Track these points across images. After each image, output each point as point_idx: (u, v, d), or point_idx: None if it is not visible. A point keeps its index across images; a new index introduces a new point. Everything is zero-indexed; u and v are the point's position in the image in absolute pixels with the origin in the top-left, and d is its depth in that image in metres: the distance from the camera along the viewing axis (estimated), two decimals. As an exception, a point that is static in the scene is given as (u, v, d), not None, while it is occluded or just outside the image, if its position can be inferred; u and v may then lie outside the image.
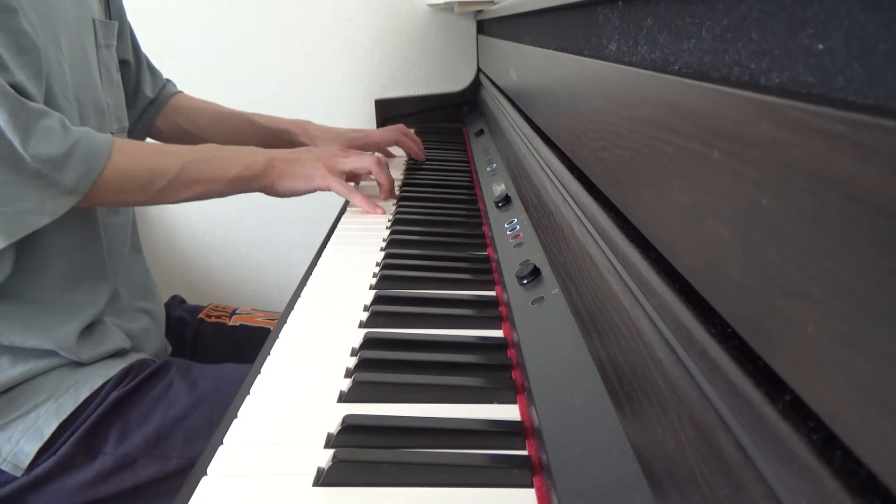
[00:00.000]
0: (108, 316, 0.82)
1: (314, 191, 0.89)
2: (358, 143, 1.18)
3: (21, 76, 0.67)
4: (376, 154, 1.13)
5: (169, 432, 0.74)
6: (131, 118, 1.04)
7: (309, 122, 1.17)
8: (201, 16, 1.58)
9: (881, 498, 0.18)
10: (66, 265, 0.76)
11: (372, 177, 0.99)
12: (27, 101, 0.66)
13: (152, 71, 1.07)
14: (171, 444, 0.73)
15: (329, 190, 0.89)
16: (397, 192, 1.04)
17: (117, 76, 0.91)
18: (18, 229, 0.66)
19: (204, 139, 1.11)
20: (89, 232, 0.79)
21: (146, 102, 1.06)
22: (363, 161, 0.94)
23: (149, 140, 1.09)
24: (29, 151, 0.65)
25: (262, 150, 0.87)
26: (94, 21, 0.84)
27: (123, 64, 0.99)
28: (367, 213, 0.95)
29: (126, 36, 0.99)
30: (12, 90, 0.65)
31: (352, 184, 0.97)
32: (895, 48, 0.19)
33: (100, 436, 0.73)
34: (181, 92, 1.11)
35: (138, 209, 0.98)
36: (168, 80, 1.11)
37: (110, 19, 0.92)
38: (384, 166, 0.97)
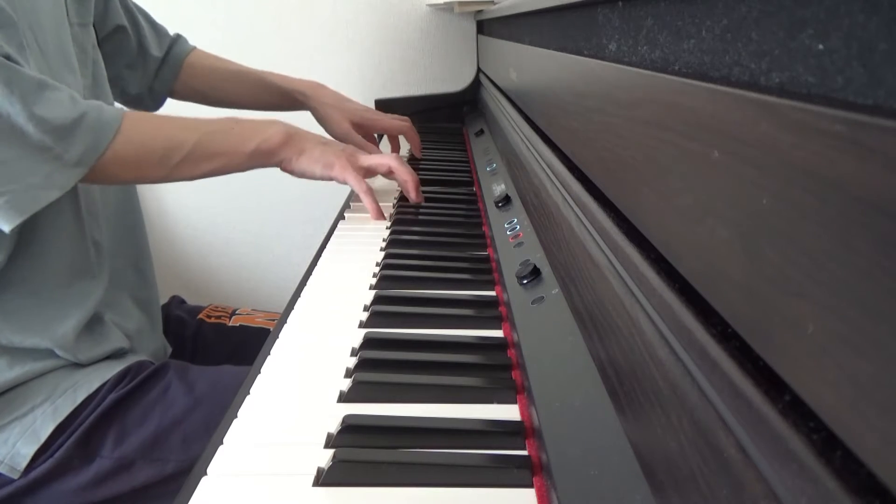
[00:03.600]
0: (105, 310, 0.81)
1: (329, 179, 0.88)
2: (367, 123, 1.15)
3: (9, 48, 0.65)
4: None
5: (166, 435, 0.73)
6: (144, 82, 1.03)
7: (322, 86, 1.15)
8: (201, 16, 1.58)
9: (881, 498, 0.18)
10: (62, 254, 0.76)
11: (393, 176, 0.96)
12: (22, 69, 0.64)
13: (155, 28, 1.05)
14: (168, 447, 0.73)
15: (345, 182, 0.88)
16: (395, 197, 1.03)
17: (95, 53, 0.88)
18: (30, 205, 0.65)
19: (219, 99, 1.11)
20: (82, 218, 0.78)
21: (156, 63, 1.04)
22: (383, 158, 0.92)
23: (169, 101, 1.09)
24: (35, 116, 0.64)
25: (282, 123, 0.85)
26: (65, 1, 0.82)
27: (118, 30, 0.97)
28: (372, 218, 0.93)
29: (112, 2, 0.96)
30: (7, 61, 0.63)
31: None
32: (895, 48, 0.19)
33: (97, 438, 0.72)
34: (196, 49, 1.09)
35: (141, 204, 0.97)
36: (178, 37, 1.08)
37: None
38: (404, 163, 0.94)
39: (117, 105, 0.94)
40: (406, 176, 0.94)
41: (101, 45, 0.94)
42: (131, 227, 0.92)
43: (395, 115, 1.24)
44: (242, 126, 0.82)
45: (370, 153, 0.95)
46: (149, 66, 1.03)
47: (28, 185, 0.65)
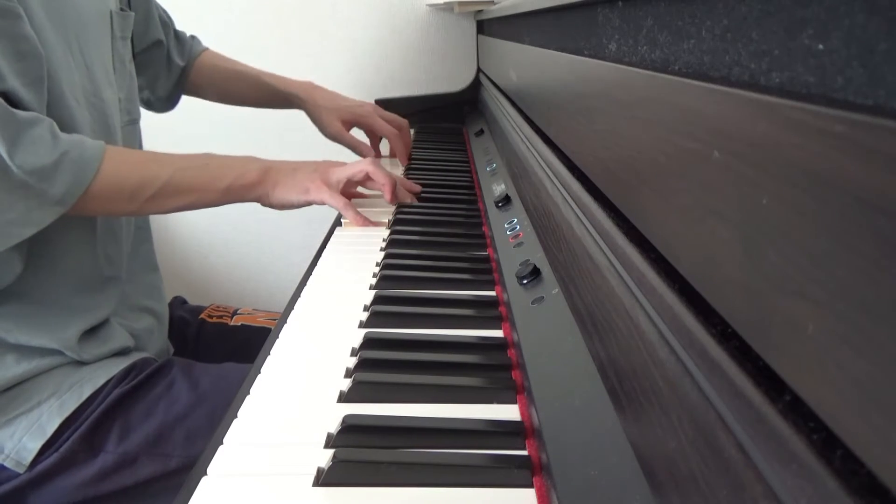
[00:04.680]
0: (113, 315, 0.82)
1: (309, 204, 0.86)
2: (359, 121, 1.17)
3: (15, 83, 0.66)
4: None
5: (170, 431, 0.74)
6: (167, 87, 1.08)
7: (315, 87, 1.16)
8: (201, 16, 1.58)
9: (881, 498, 0.18)
10: (75, 266, 0.77)
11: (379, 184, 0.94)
12: (15, 111, 0.65)
13: (179, 39, 1.09)
14: (172, 443, 0.74)
15: (324, 203, 0.87)
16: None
17: (131, 67, 0.91)
18: (4, 240, 0.66)
19: (220, 96, 1.15)
20: (97, 233, 0.79)
21: (179, 71, 1.08)
22: (358, 166, 0.90)
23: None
24: (15, 162, 0.64)
25: (259, 159, 0.85)
26: (111, 13, 0.84)
27: (156, 44, 1.01)
28: (357, 226, 0.90)
29: (152, 16, 1.00)
30: (1, 100, 0.64)
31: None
32: (895, 48, 0.19)
33: (101, 433, 0.73)
34: (207, 49, 1.14)
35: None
36: (193, 39, 1.13)
37: (129, 9, 0.92)
38: (381, 166, 0.92)
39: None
40: (383, 179, 0.91)
41: (137, 56, 0.97)
42: (142, 236, 0.93)
43: (392, 116, 1.23)
44: (218, 162, 0.82)
45: (353, 160, 0.93)
46: (172, 75, 1.08)
47: (5, 221, 0.65)
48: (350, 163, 0.91)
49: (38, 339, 0.73)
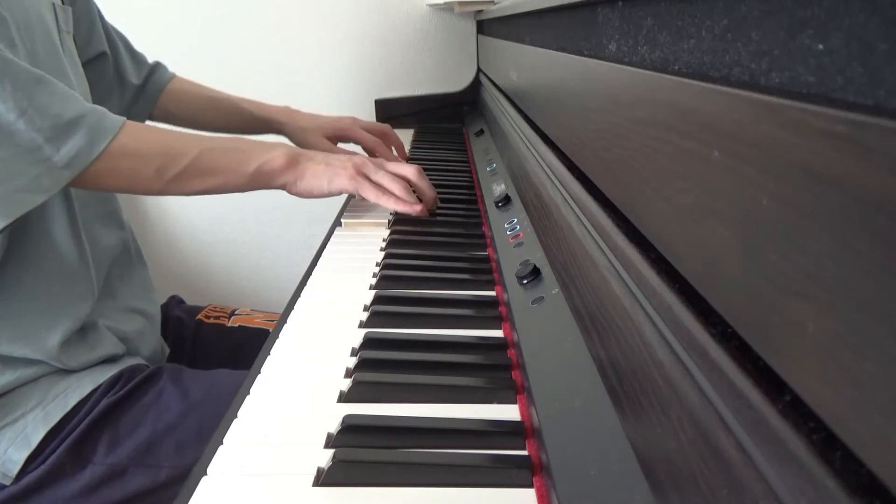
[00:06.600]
0: (101, 318, 0.80)
1: (338, 193, 0.84)
2: (339, 134, 1.13)
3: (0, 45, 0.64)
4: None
5: (160, 441, 0.72)
6: (120, 109, 1.01)
7: (294, 111, 1.13)
8: (201, 16, 1.58)
9: (881, 498, 0.18)
10: (57, 257, 0.75)
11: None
12: (15, 60, 0.63)
13: (134, 56, 1.03)
14: (161, 454, 0.72)
15: (356, 193, 0.84)
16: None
17: (80, 68, 0.87)
18: (15, 209, 0.64)
19: (195, 124, 1.09)
20: (75, 243, 0.77)
21: (133, 90, 1.02)
22: (401, 169, 0.86)
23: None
24: (30, 109, 0.62)
25: (287, 146, 0.83)
26: (53, 6, 0.81)
27: (100, 56, 0.96)
28: (411, 213, 0.87)
29: (96, 26, 0.96)
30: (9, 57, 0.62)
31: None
32: (895, 48, 0.19)
33: (89, 444, 0.71)
34: (176, 76, 1.08)
35: (138, 212, 0.97)
36: (157, 65, 1.07)
37: (63, 4, 0.88)
38: (423, 177, 0.88)
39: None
40: (429, 193, 0.88)
41: (85, 67, 0.92)
42: (131, 255, 0.91)
43: (373, 124, 1.19)
44: (246, 145, 0.80)
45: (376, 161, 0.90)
46: (125, 94, 1.02)
47: (14, 188, 0.63)
48: (386, 171, 0.87)
49: (20, 349, 0.71)
